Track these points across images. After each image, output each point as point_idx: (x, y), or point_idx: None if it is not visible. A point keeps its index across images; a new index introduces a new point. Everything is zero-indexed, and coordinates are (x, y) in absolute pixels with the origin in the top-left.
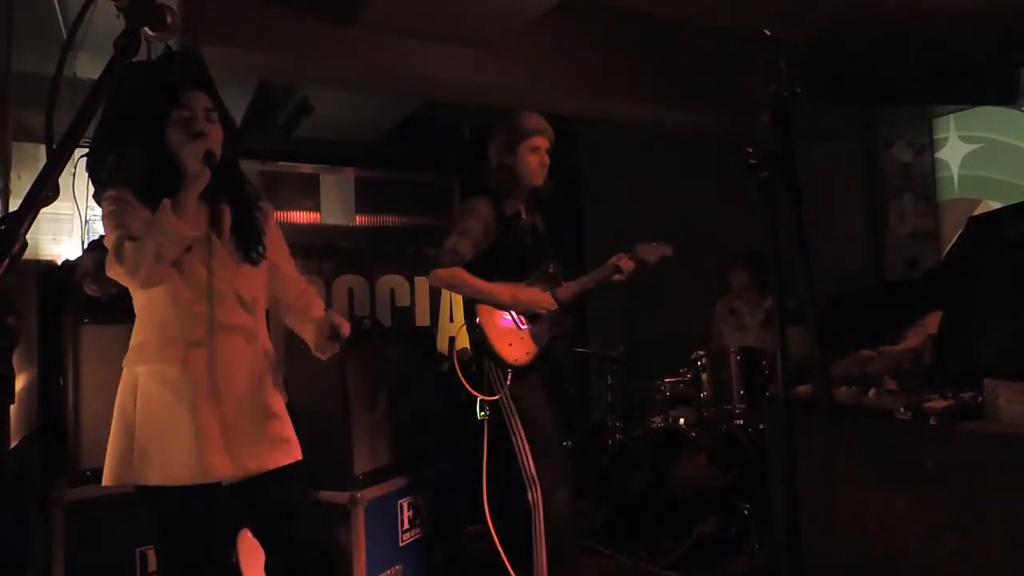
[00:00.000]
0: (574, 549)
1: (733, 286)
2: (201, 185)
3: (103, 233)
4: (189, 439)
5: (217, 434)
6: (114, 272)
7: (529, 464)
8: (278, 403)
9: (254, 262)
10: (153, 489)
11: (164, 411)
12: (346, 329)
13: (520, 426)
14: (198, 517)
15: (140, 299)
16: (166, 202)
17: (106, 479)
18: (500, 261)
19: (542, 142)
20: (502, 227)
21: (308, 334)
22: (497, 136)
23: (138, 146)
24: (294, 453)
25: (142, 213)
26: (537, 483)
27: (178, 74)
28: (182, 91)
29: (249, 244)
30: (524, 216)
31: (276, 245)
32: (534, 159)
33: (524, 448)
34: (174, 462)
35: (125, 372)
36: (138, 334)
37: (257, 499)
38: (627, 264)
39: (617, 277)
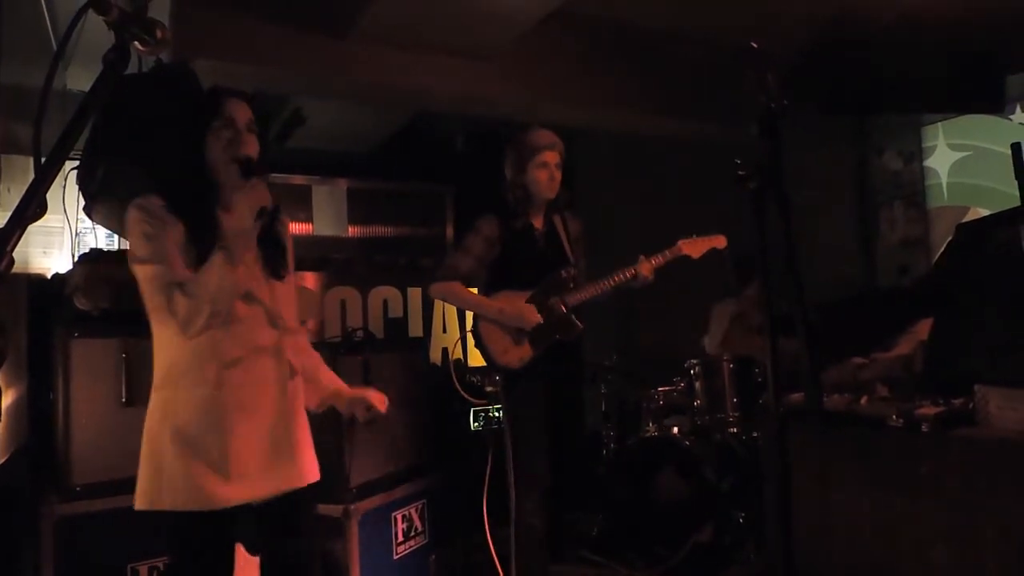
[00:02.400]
0: (542, 558)
1: (749, 297)
2: (252, 240)
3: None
4: (222, 464)
5: (249, 458)
6: (159, 317)
7: (510, 471)
8: (304, 422)
9: (281, 277)
10: (180, 514)
11: (197, 435)
12: (382, 407)
13: (509, 433)
14: (221, 540)
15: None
16: (219, 256)
17: (138, 503)
18: (506, 271)
19: (551, 157)
20: (510, 241)
21: (314, 397)
22: (508, 154)
23: (172, 153)
24: (314, 473)
25: (173, 230)
26: (513, 491)
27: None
28: (225, 100)
29: (277, 259)
30: (540, 227)
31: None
32: (543, 175)
33: (509, 456)
34: (205, 488)
35: (154, 397)
36: (166, 356)
37: (272, 517)
38: (646, 270)
39: (641, 281)
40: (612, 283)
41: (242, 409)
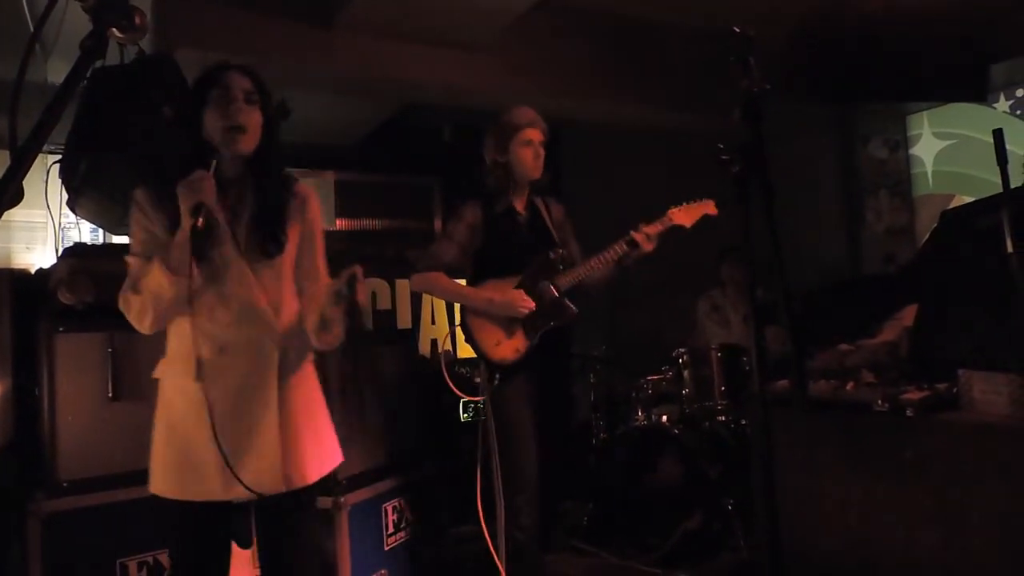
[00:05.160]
0: (534, 555)
1: (727, 281)
2: (186, 238)
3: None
4: (206, 455)
5: (232, 452)
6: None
7: (496, 467)
8: (313, 415)
9: (271, 256)
10: (173, 503)
11: (184, 424)
12: (363, 295)
13: (494, 430)
14: (215, 534)
15: None
16: (156, 262)
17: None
18: (491, 258)
19: (534, 135)
20: (493, 225)
21: (310, 324)
22: (488, 136)
23: (167, 133)
24: (320, 470)
25: (154, 224)
26: (501, 491)
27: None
28: (223, 71)
29: (267, 238)
30: (523, 210)
31: (309, 233)
32: (528, 152)
33: (494, 451)
34: (192, 477)
35: (159, 383)
36: (168, 343)
37: (271, 515)
38: (641, 238)
39: (638, 252)
40: (605, 260)
41: (227, 401)
